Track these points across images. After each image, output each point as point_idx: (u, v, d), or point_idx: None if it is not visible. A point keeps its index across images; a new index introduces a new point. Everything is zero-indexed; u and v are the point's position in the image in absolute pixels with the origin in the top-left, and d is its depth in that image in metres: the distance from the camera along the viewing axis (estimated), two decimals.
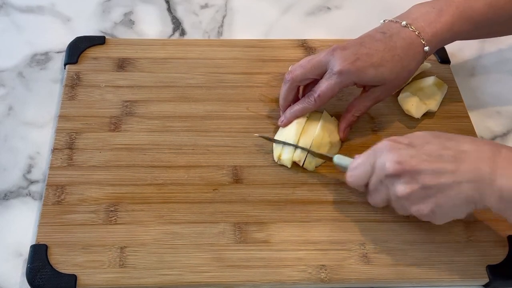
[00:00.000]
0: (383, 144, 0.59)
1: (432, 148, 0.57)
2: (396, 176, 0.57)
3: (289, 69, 0.70)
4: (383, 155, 0.59)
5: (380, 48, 0.66)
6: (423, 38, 0.66)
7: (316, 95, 0.67)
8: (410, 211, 0.59)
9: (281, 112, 0.71)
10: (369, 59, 0.65)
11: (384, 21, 0.69)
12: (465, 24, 0.67)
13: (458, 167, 0.56)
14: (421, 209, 0.58)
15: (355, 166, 0.62)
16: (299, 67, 0.68)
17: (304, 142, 0.68)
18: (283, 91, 0.70)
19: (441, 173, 0.56)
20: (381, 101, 0.70)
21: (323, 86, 0.66)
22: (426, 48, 0.67)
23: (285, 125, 0.70)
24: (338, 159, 0.65)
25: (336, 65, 0.65)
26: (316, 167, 0.69)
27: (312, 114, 0.70)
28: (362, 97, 0.70)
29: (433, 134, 0.60)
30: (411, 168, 0.56)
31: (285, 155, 0.68)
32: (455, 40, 0.70)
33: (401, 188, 0.57)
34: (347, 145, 0.72)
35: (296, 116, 0.69)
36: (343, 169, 0.64)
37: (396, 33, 0.67)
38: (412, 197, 0.58)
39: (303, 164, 0.68)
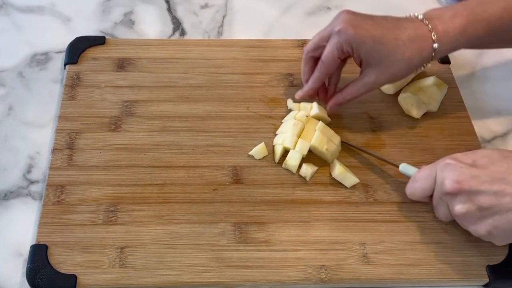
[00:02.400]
0: (446, 161, 0.60)
1: (496, 170, 0.57)
2: (453, 194, 0.58)
3: None
4: (444, 172, 0.59)
5: (386, 26, 0.65)
6: (434, 34, 0.65)
7: (320, 62, 0.67)
8: (468, 229, 0.60)
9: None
10: (372, 29, 0.64)
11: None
12: (479, 27, 0.65)
13: None
14: (477, 229, 0.59)
15: (416, 179, 0.63)
16: (311, 40, 0.69)
17: (301, 145, 0.68)
18: (302, 66, 0.71)
19: (500, 196, 0.56)
20: (374, 89, 0.68)
21: (325, 50, 0.66)
22: (435, 45, 0.65)
23: (301, 97, 0.71)
24: (403, 168, 0.66)
25: (337, 24, 0.65)
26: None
27: (310, 120, 0.70)
28: (356, 81, 0.68)
29: (500, 154, 0.58)
30: (469, 188, 0.57)
31: (292, 162, 0.68)
32: (470, 47, 0.69)
33: (458, 207, 0.58)
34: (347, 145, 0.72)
35: (311, 88, 0.70)
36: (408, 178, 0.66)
37: (410, 21, 0.66)
38: (469, 217, 0.58)
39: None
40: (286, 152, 0.68)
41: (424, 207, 0.67)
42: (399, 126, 0.74)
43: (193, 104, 0.74)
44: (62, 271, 0.60)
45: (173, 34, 0.85)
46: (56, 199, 0.65)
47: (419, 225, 0.65)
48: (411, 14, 0.68)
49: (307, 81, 0.71)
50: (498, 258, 0.63)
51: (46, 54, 0.80)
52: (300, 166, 0.68)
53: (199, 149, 0.70)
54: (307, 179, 0.68)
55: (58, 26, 0.84)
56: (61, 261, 0.60)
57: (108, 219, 0.64)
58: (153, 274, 0.60)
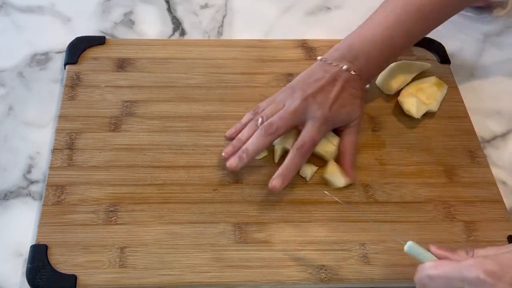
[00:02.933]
0: (480, 276, 0.47)
1: None
2: None
3: (261, 113, 0.68)
4: None
5: (337, 92, 0.67)
6: (362, 80, 0.69)
7: (310, 145, 0.66)
8: None
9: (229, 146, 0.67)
10: (339, 102, 0.67)
11: (320, 59, 0.70)
12: (390, 57, 0.72)
13: None
14: None
15: (432, 277, 0.51)
16: (279, 119, 0.66)
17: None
18: (257, 139, 0.65)
19: None
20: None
21: (314, 135, 0.66)
22: (367, 86, 0.71)
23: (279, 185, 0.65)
24: (410, 248, 0.54)
25: (318, 112, 0.66)
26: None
27: None
28: (346, 134, 0.69)
29: None
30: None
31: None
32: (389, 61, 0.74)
33: None
34: None
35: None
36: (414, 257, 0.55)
37: (342, 77, 0.68)
38: None
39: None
40: (286, 152, 0.68)
41: (424, 207, 0.67)
42: (399, 126, 0.74)
43: (193, 104, 0.74)
44: (62, 271, 0.60)
45: (173, 34, 0.85)
46: (56, 199, 0.65)
47: (419, 225, 0.65)
48: (329, 61, 0.69)
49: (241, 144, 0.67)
50: None
51: (46, 54, 0.80)
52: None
53: (199, 149, 0.70)
54: (307, 179, 0.68)
55: (58, 26, 0.84)
56: (61, 261, 0.60)
57: (108, 219, 0.64)
58: (154, 274, 0.60)
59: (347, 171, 0.68)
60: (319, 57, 0.71)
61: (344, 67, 0.68)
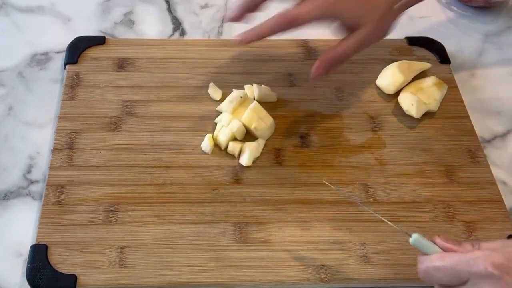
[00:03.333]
0: (489, 269, 0.47)
1: None
2: None
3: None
4: (480, 285, 0.47)
5: None
6: None
7: (293, 17, 0.63)
8: None
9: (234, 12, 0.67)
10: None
11: None
12: None
13: None
14: None
15: (438, 268, 0.50)
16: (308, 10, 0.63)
17: (235, 123, 0.69)
18: (271, 21, 0.65)
19: None
20: (364, 47, 0.67)
21: (304, 9, 0.63)
22: (396, 6, 0.65)
23: (322, 72, 0.65)
24: (416, 241, 0.53)
25: None
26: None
27: (247, 100, 0.71)
28: (346, 37, 0.66)
29: None
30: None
31: (221, 137, 0.69)
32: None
33: None
34: (347, 144, 0.71)
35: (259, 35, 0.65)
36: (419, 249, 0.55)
37: None
38: None
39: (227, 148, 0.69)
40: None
41: (424, 207, 0.67)
42: (399, 126, 0.74)
43: (193, 104, 0.74)
44: (62, 271, 0.60)
45: (173, 34, 0.85)
46: (56, 199, 0.65)
47: (419, 225, 0.65)
48: None
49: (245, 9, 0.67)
50: None
51: (46, 54, 0.80)
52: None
53: (199, 149, 0.70)
54: (235, 155, 0.68)
55: (58, 26, 0.84)
56: (61, 261, 0.60)
57: (108, 219, 0.64)
58: (153, 274, 0.60)
59: (315, 65, 0.65)
60: None
61: None
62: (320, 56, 0.66)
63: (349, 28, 0.65)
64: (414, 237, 0.53)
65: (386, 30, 0.67)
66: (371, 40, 0.67)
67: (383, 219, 0.56)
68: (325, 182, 0.64)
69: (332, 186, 0.63)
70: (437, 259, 0.51)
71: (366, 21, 0.64)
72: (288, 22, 0.64)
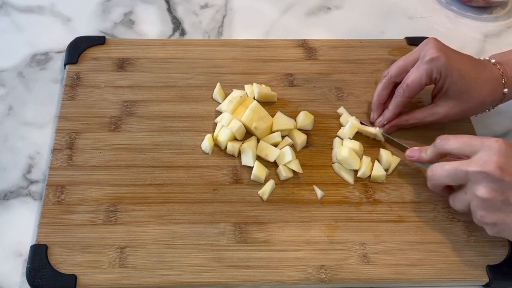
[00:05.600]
0: (499, 143, 0.57)
1: None
2: (490, 177, 0.56)
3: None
4: (491, 152, 0.57)
5: (469, 63, 0.68)
6: (504, 79, 0.68)
7: (404, 85, 0.68)
8: (476, 214, 0.59)
9: (373, 112, 0.73)
10: (459, 63, 0.67)
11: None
12: None
13: None
14: (485, 216, 0.58)
15: (456, 141, 0.61)
16: (394, 65, 0.70)
17: (235, 123, 0.69)
18: (378, 88, 0.71)
19: None
20: (439, 121, 0.70)
21: (412, 75, 0.68)
22: (505, 90, 0.68)
23: (382, 124, 0.72)
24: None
25: (428, 53, 0.67)
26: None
27: (247, 100, 0.71)
28: (425, 108, 0.71)
29: None
30: (509, 180, 0.56)
31: (221, 137, 0.69)
32: None
33: (484, 190, 0.57)
34: None
35: (394, 114, 0.71)
36: (423, 166, 0.66)
37: (484, 63, 0.69)
38: (487, 203, 0.57)
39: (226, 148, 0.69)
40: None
41: (424, 207, 0.67)
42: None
43: (193, 104, 0.74)
44: (62, 271, 0.60)
45: (173, 34, 0.85)
46: (56, 199, 0.65)
47: (419, 225, 0.65)
48: (483, 57, 0.70)
49: (381, 104, 0.72)
50: (498, 258, 0.63)
51: (46, 54, 0.80)
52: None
53: (199, 149, 0.70)
54: (235, 155, 0.68)
55: (58, 26, 0.84)
56: (61, 261, 0.60)
57: (108, 219, 0.64)
58: (153, 274, 0.60)
59: (388, 124, 0.71)
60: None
61: (493, 60, 0.69)
62: (395, 120, 0.72)
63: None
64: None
65: (471, 111, 0.71)
66: (450, 115, 0.71)
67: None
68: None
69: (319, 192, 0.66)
70: (443, 163, 0.61)
71: (460, 94, 0.68)
72: (409, 95, 0.69)
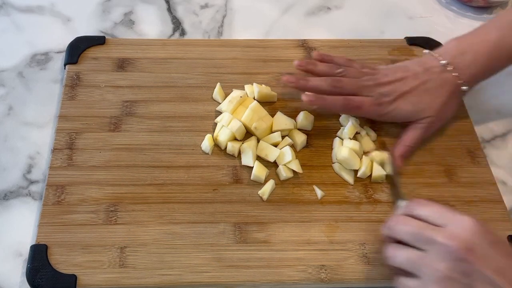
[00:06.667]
0: (470, 220, 0.52)
1: (508, 264, 0.51)
2: (453, 254, 0.51)
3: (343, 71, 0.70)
4: (463, 228, 0.52)
5: (418, 86, 0.68)
6: (460, 79, 0.68)
7: (356, 105, 0.68)
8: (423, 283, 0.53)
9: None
10: (408, 98, 0.68)
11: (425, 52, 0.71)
12: (501, 61, 0.69)
13: None
14: None
15: (426, 208, 0.56)
16: (348, 83, 0.69)
17: (235, 123, 0.69)
18: (323, 83, 0.69)
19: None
20: (431, 133, 0.70)
21: (366, 104, 0.68)
22: (464, 88, 0.68)
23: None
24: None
25: (381, 97, 0.68)
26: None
27: (247, 100, 0.71)
28: (411, 127, 0.70)
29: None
30: (474, 264, 0.50)
31: (221, 137, 0.69)
32: (496, 73, 0.71)
33: (446, 266, 0.51)
34: None
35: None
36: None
37: (436, 72, 0.68)
38: (445, 281, 0.51)
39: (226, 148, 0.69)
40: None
41: None
42: (399, 126, 0.74)
43: (193, 104, 0.74)
44: (62, 271, 0.60)
45: (173, 34, 0.85)
46: (56, 199, 0.65)
47: None
48: (432, 53, 0.70)
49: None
50: None
51: (46, 54, 0.80)
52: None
53: (199, 149, 0.70)
54: (235, 155, 0.68)
55: (58, 26, 0.84)
56: (61, 261, 0.60)
57: (108, 219, 0.64)
58: (153, 274, 0.60)
59: (395, 158, 0.69)
60: (425, 51, 0.71)
61: (443, 61, 0.68)
62: (394, 152, 0.69)
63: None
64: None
65: (449, 113, 0.70)
66: (435, 127, 0.70)
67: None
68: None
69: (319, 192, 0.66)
70: (426, 203, 0.57)
71: (428, 115, 0.68)
72: (350, 108, 0.68)
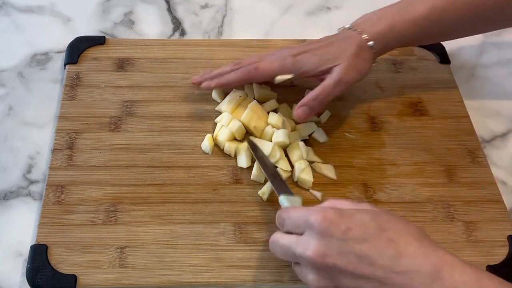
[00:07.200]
0: (319, 220, 0.51)
1: (367, 248, 0.49)
2: (312, 265, 0.51)
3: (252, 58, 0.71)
4: (312, 234, 0.51)
5: (322, 45, 0.69)
6: (364, 35, 0.68)
7: (253, 67, 0.69)
8: None
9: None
10: (314, 52, 0.68)
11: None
12: (407, 25, 0.68)
13: (384, 285, 0.49)
14: None
15: (286, 217, 0.55)
16: (269, 63, 0.69)
17: (235, 123, 0.69)
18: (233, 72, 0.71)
19: (363, 280, 0.49)
20: (334, 94, 0.67)
21: (265, 62, 0.69)
22: (370, 43, 0.67)
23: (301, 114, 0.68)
24: (284, 199, 0.60)
25: (283, 52, 0.69)
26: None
27: (247, 99, 0.72)
28: (323, 78, 0.68)
29: (377, 226, 0.50)
30: (333, 266, 0.50)
31: (220, 137, 0.69)
32: (404, 45, 0.72)
33: (313, 277, 0.51)
34: (347, 144, 0.72)
35: (223, 83, 0.71)
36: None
37: (340, 33, 0.70)
38: None
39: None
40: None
41: (424, 207, 0.67)
42: (399, 126, 0.74)
43: (193, 104, 0.74)
44: (62, 271, 0.60)
45: (173, 34, 0.85)
46: (56, 199, 0.65)
47: (419, 225, 0.65)
48: (343, 27, 0.71)
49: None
50: (498, 258, 0.63)
51: (46, 54, 0.80)
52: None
53: (199, 149, 0.70)
54: (232, 156, 0.69)
55: (58, 26, 0.84)
56: (61, 261, 0.60)
57: (108, 219, 0.64)
58: (153, 274, 0.60)
59: (296, 109, 0.68)
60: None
61: (347, 26, 0.70)
62: (301, 100, 0.68)
63: (322, 74, 0.68)
64: (283, 197, 0.60)
65: (362, 67, 0.68)
66: (347, 78, 0.67)
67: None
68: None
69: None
70: (288, 209, 0.56)
71: (337, 63, 0.67)
72: (249, 76, 0.69)
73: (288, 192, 0.61)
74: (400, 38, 0.69)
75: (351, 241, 0.50)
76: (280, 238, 0.55)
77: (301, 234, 0.53)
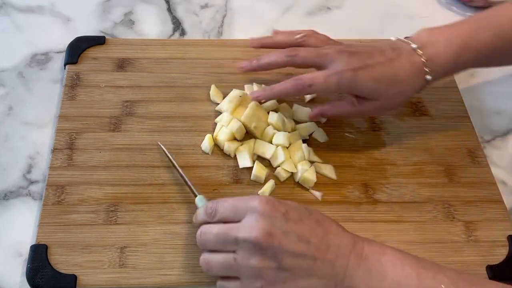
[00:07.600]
0: (263, 204, 0.53)
1: (303, 228, 0.53)
2: (258, 245, 0.51)
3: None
4: (254, 217, 0.52)
5: (383, 61, 0.64)
6: (428, 67, 0.64)
7: (307, 83, 0.64)
8: (252, 285, 0.53)
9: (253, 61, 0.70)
10: (371, 71, 0.63)
11: (395, 38, 0.68)
12: (471, 55, 0.65)
13: (316, 260, 0.52)
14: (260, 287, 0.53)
15: (223, 206, 0.56)
16: (305, 50, 0.66)
17: (235, 123, 0.69)
18: (276, 55, 0.67)
19: (301, 258, 0.52)
20: (366, 116, 0.69)
21: (320, 78, 0.64)
22: (428, 77, 0.64)
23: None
24: (200, 200, 0.61)
25: (340, 66, 0.63)
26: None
27: (246, 99, 0.71)
28: (351, 105, 0.67)
29: (306, 211, 0.55)
30: (278, 245, 0.51)
31: (221, 136, 0.69)
32: (460, 71, 0.69)
33: (257, 259, 0.52)
34: (347, 144, 0.72)
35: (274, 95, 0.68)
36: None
37: (404, 53, 0.64)
38: (262, 273, 0.52)
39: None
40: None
41: (424, 207, 0.67)
42: (399, 126, 0.74)
43: (193, 104, 0.74)
44: (62, 271, 0.60)
45: (173, 34, 0.85)
46: (56, 199, 0.65)
47: (419, 225, 0.65)
48: (404, 39, 0.67)
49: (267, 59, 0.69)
50: (498, 258, 0.63)
51: (46, 54, 0.80)
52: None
53: (199, 149, 0.70)
54: (231, 156, 0.68)
55: (58, 26, 0.84)
56: (61, 261, 0.60)
57: (108, 219, 0.64)
58: (153, 274, 0.60)
59: (312, 112, 0.68)
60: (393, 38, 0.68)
61: (414, 45, 0.64)
62: (318, 107, 0.68)
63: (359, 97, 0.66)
64: (199, 197, 0.61)
65: (402, 102, 0.67)
66: (381, 114, 0.70)
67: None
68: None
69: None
70: (221, 200, 0.56)
71: (384, 97, 0.65)
72: (301, 88, 0.65)
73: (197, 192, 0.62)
74: (459, 67, 0.67)
75: (291, 222, 0.53)
76: (214, 227, 0.55)
77: (237, 221, 0.53)
